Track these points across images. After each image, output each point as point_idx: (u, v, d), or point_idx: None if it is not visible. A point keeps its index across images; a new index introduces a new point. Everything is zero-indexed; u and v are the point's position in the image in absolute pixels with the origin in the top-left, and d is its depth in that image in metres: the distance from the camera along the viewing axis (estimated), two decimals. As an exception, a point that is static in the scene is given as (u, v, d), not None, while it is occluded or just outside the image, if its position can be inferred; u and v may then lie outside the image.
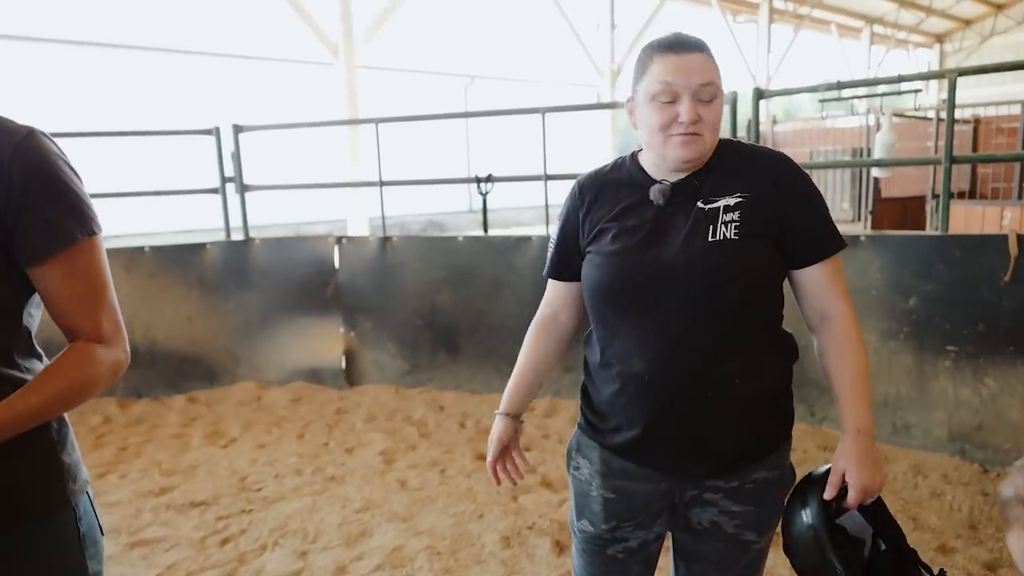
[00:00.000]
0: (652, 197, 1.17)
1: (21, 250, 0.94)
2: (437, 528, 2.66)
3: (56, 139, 1.00)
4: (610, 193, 1.23)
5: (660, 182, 1.18)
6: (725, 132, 3.70)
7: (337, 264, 4.32)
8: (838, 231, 1.20)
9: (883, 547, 1.16)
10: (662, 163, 1.18)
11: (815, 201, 1.19)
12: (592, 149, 13.24)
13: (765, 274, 1.16)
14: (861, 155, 8.73)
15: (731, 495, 1.19)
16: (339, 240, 4.33)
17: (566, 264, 1.29)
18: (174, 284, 4.27)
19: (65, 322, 0.99)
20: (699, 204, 1.15)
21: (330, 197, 10.14)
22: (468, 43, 15.80)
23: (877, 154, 6.38)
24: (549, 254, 1.33)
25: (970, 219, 7.59)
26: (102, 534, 1.11)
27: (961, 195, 8.54)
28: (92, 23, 11.42)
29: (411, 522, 2.72)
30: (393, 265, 4.23)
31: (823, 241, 1.19)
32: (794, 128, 11.09)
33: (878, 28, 20.49)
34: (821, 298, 1.20)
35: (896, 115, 8.76)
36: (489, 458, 1.34)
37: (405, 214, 14.64)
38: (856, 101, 9.40)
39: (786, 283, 1.23)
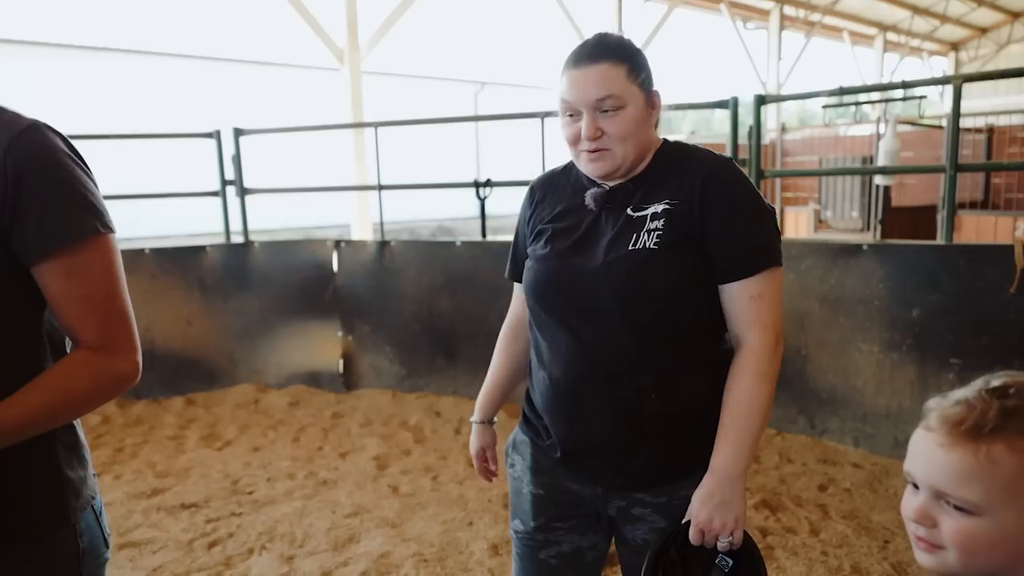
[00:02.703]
0: (587, 202, 1.16)
1: (20, 249, 0.88)
2: (426, 535, 2.63)
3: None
4: (555, 195, 1.22)
5: (600, 186, 1.16)
6: (724, 139, 3.64)
7: (336, 268, 4.31)
8: (772, 249, 1.10)
9: None
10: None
11: (744, 212, 1.09)
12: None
13: (686, 287, 1.09)
14: (870, 163, 8.65)
15: (659, 511, 1.16)
16: (338, 244, 4.32)
17: (518, 265, 1.29)
18: (174, 286, 4.28)
19: (66, 328, 0.93)
20: (629, 211, 1.12)
21: (337, 202, 10.19)
22: (477, 50, 15.86)
23: (881, 162, 6.31)
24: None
25: (982, 229, 7.49)
26: (107, 547, 1.05)
27: (974, 205, 8.44)
28: (98, 28, 11.57)
29: (400, 528, 2.70)
30: (392, 269, 4.21)
31: (743, 257, 1.08)
32: (803, 137, 11.02)
33: (892, 36, 20.32)
34: (736, 321, 1.10)
35: (908, 123, 8.67)
36: (478, 466, 1.41)
37: (415, 219, 14.66)
38: (869, 110, 9.30)
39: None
